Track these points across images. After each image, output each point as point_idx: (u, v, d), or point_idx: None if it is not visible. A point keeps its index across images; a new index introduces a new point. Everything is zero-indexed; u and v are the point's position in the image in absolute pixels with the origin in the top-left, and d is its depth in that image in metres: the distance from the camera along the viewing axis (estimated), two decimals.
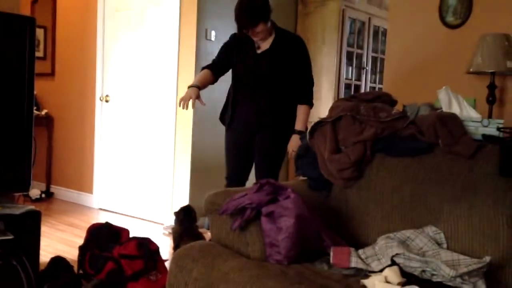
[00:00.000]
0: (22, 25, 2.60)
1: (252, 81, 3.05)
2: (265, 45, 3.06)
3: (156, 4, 4.51)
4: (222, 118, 3.27)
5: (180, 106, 2.93)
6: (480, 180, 1.94)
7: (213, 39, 4.35)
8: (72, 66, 5.28)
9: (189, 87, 2.98)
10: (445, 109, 2.23)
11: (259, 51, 3.06)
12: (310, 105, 3.13)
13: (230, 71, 3.18)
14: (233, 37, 3.17)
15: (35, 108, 2.72)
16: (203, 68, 3.17)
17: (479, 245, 1.87)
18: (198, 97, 2.92)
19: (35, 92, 2.73)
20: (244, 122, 3.12)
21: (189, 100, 2.90)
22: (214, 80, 3.14)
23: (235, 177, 3.20)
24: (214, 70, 3.13)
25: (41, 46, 5.49)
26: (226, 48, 3.17)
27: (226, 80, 3.22)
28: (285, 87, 3.05)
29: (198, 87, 2.97)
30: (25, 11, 5.27)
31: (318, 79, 5.16)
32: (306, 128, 3.11)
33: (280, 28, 3.13)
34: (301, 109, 3.09)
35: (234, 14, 2.95)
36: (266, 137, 3.10)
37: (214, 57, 3.21)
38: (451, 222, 1.94)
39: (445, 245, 1.93)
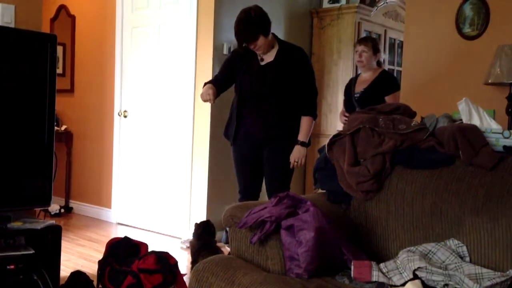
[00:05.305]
0: (44, 42, 2.65)
1: (258, 93, 3.06)
2: (268, 57, 3.07)
3: (173, 19, 4.56)
4: (226, 134, 3.27)
5: (203, 100, 3.00)
6: (502, 192, 1.91)
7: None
8: (90, 82, 5.35)
9: (205, 84, 3.06)
10: (465, 120, 2.21)
11: (262, 63, 3.08)
12: (314, 116, 3.13)
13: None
14: (234, 52, 3.19)
15: (55, 124, 2.76)
16: (205, 84, 3.14)
17: (502, 258, 1.84)
18: (215, 92, 3.00)
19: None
20: (250, 135, 3.12)
21: (210, 93, 2.97)
22: (217, 95, 3.14)
23: (248, 191, 3.22)
24: (217, 86, 3.10)
25: (60, 63, 5.57)
26: (228, 64, 3.18)
27: None
28: (290, 98, 3.06)
29: (214, 84, 3.05)
30: (45, 28, 5.36)
31: (334, 92, 5.16)
32: (309, 139, 3.12)
33: (282, 40, 3.14)
34: (304, 121, 3.10)
35: (234, 30, 2.97)
36: (275, 151, 3.11)
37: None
38: (474, 235, 1.91)
39: (467, 258, 1.90)
